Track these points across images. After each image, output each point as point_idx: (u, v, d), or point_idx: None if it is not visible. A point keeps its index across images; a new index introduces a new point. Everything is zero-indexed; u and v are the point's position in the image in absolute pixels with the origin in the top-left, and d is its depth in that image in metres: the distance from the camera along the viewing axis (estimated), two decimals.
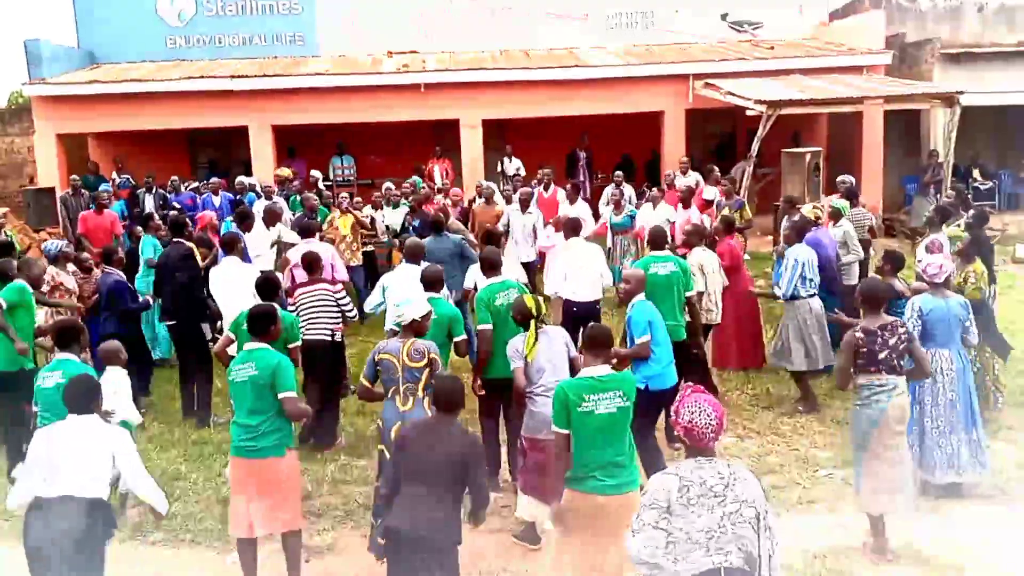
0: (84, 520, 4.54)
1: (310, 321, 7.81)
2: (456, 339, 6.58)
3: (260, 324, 5.60)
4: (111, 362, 6.65)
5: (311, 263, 8.14)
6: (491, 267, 7.07)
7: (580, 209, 12.08)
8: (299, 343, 7.00)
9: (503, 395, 6.78)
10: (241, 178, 15.31)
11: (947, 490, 6.47)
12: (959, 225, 9.21)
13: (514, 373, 5.95)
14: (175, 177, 15.29)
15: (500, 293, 6.77)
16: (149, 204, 14.29)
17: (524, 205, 11.95)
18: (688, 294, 7.67)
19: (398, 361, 5.61)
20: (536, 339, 5.85)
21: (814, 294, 8.43)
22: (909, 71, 17.67)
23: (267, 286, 7.07)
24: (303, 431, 7.81)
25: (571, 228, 8.94)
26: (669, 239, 8.30)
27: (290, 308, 7.83)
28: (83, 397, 4.81)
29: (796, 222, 9.17)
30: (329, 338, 7.86)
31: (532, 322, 5.89)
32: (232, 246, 8.88)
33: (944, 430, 6.41)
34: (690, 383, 3.98)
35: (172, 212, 12.32)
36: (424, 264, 7.80)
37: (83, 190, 14.55)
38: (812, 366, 8.39)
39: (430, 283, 6.83)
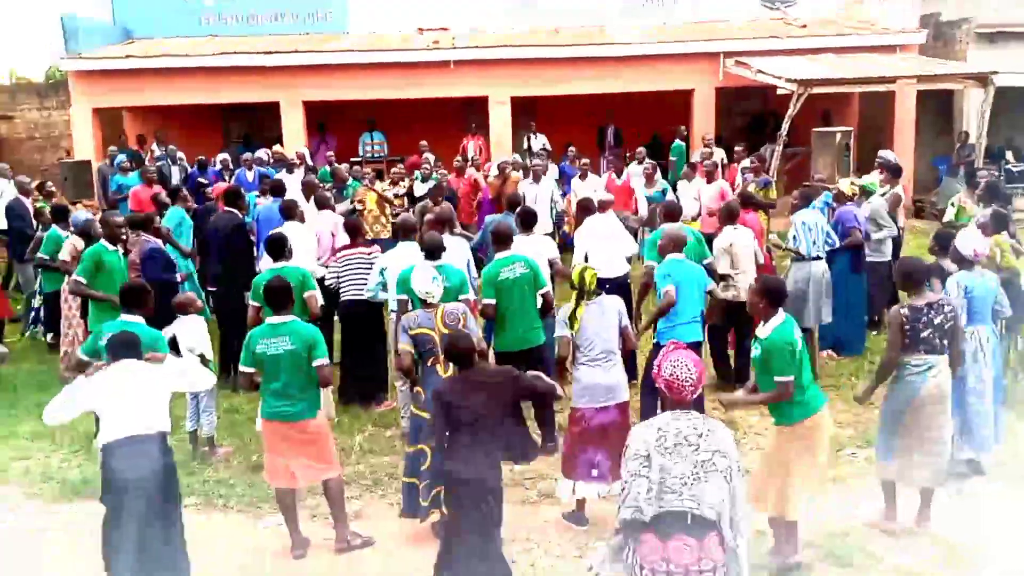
0: (159, 454, 4.87)
1: (350, 283, 8.15)
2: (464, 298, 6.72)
3: (279, 298, 5.73)
4: (186, 311, 7.29)
5: (353, 228, 8.45)
6: (501, 241, 7.18)
7: (592, 185, 12.19)
8: (315, 291, 7.37)
9: (518, 367, 6.95)
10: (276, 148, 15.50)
11: (968, 466, 6.51)
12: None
13: (559, 341, 6.06)
14: (201, 156, 15.49)
15: (505, 268, 6.92)
16: (175, 176, 14.49)
17: (536, 177, 12.07)
18: (705, 261, 7.84)
19: (435, 332, 5.77)
20: (576, 309, 5.88)
21: (818, 257, 8.58)
22: (943, 50, 17.45)
23: (275, 244, 7.51)
24: (343, 390, 8.23)
25: (584, 208, 9.11)
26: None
27: (331, 271, 8.31)
28: (128, 345, 5.14)
29: (805, 189, 9.31)
30: (370, 300, 8.01)
31: (574, 294, 5.93)
32: (292, 212, 9.15)
33: (988, 406, 6.45)
34: (673, 340, 4.14)
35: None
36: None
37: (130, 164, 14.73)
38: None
39: (431, 251, 6.89)
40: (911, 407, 5.61)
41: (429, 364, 5.84)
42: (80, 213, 9.81)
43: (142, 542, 4.75)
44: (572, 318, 5.86)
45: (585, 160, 13.56)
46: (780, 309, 5.30)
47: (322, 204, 10.05)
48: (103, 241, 8.04)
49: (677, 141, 15.80)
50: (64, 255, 9.16)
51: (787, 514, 5.25)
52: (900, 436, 5.69)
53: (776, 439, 5.34)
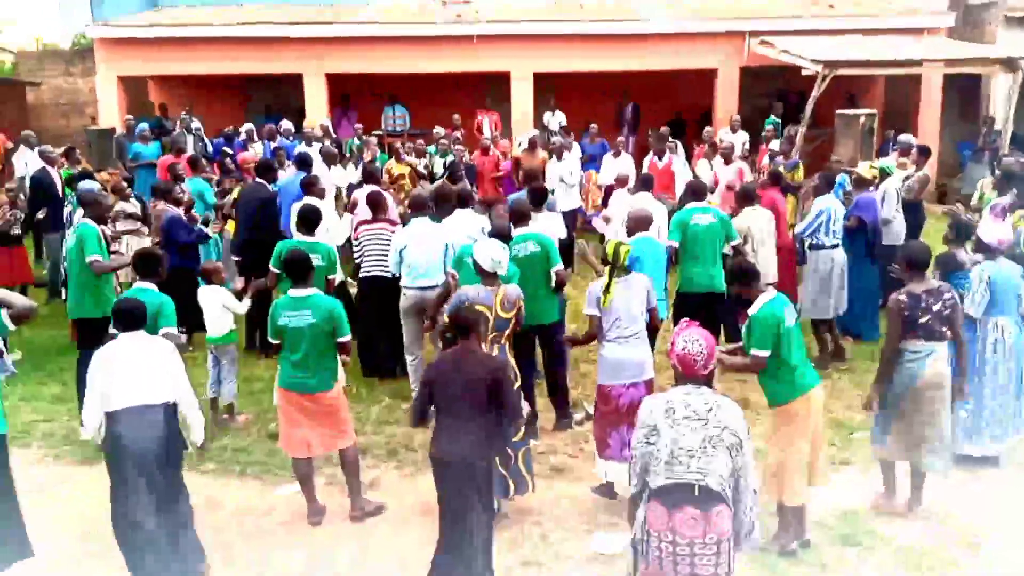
0: (163, 424, 4.92)
1: (373, 257, 8.22)
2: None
3: (301, 271, 5.77)
4: (210, 279, 7.48)
5: (375, 203, 8.45)
6: (518, 218, 7.19)
7: (624, 164, 12.19)
8: (335, 276, 7.51)
9: (535, 342, 7.11)
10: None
11: (985, 458, 6.51)
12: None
13: (588, 320, 6.11)
14: (228, 128, 15.59)
15: (516, 246, 6.89)
16: (190, 146, 14.57)
17: (559, 155, 12.13)
18: (733, 243, 7.84)
19: (491, 312, 5.73)
20: (610, 285, 5.89)
21: (836, 245, 8.56)
22: (972, 33, 17.23)
23: (308, 218, 7.52)
24: (364, 362, 8.44)
25: (644, 182, 9.26)
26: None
27: (355, 246, 8.39)
28: (134, 316, 5.14)
29: (826, 174, 9.27)
30: (390, 275, 8.04)
31: (607, 269, 5.94)
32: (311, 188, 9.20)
33: (1003, 397, 6.43)
34: (686, 318, 4.24)
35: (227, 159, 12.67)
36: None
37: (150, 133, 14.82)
38: (820, 314, 8.58)
39: (500, 236, 6.73)
40: (909, 393, 5.65)
41: None
42: (86, 183, 9.81)
43: (146, 510, 4.85)
44: (605, 293, 5.88)
45: (620, 138, 13.57)
46: (771, 288, 5.37)
47: (368, 177, 10.11)
48: (87, 220, 7.53)
49: (772, 116, 15.62)
50: None
51: (785, 499, 5.30)
52: (896, 420, 5.74)
53: (771, 422, 5.40)
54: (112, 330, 5.29)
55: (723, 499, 3.84)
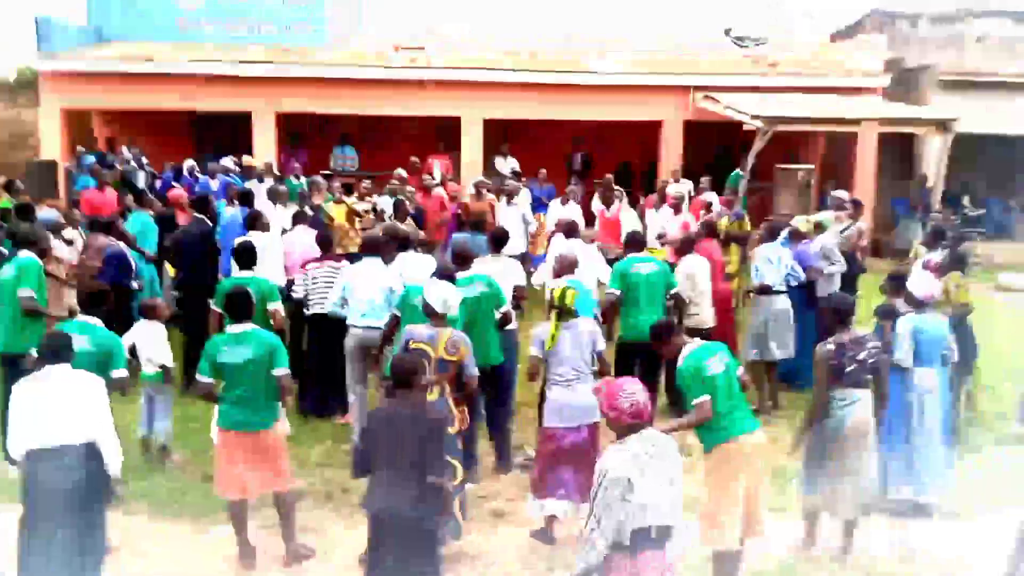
0: (82, 466, 4.77)
1: (320, 295, 8.14)
2: None
3: (241, 306, 5.73)
4: (150, 316, 7.28)
5: (324, 242, 8.50)
6: (461, 260, 7.22)
7: (571, 211, 12.33)
8: (278, 304, 7.42)
9: (482, 386, 7.01)
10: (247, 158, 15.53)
11: (916, 507, 6.62)
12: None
13: (529, 361, 6.16)
14: (175, 163, 15.44)
15: (465, 287, 6.87)
16: (141, 181, 14.43)
17: (509, 198, 12.28)
18: (672, 291, 7.97)
19: (433, 352, 5.71)
20: (557, 330, 5.94)
21: (781, 292, 8.80)
22: (906, 95, 17.88)
23: (244, 254, 7.48)
24: (302, 401, 8.31)
25: (568, 229, 9.31)
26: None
27: (298, 284, 8.36)
28: (61, 349, 5.00)
29: (771, 224, 9.57)
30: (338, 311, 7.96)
31: (554, 313, 6.01)
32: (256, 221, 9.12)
33: (928, 448, 6.55)
34: (606, 378, 4.38)
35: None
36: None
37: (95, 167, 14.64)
38: (763, 356, 8.78)
39: (447, 278, 6.75)
40: (836, 441, 5.75)
41: None
42: (46, 212, 9.73)
43: (53, 552, 4.70)
44: (552, 338, 5.93)
45: (573, 187, 13.68)
46: (697, 339, 5.48)
47: (298, 219, 10.04)
48: (30, 253, 7.32)
49: (737, 171, 15.88)
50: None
51: (716, 543, 5.30)
52: (824, 469, 5.82)
53: (705, 467, 5.42)
54: (28, 361, 5.11)
55: (670, 534, 3.94)
